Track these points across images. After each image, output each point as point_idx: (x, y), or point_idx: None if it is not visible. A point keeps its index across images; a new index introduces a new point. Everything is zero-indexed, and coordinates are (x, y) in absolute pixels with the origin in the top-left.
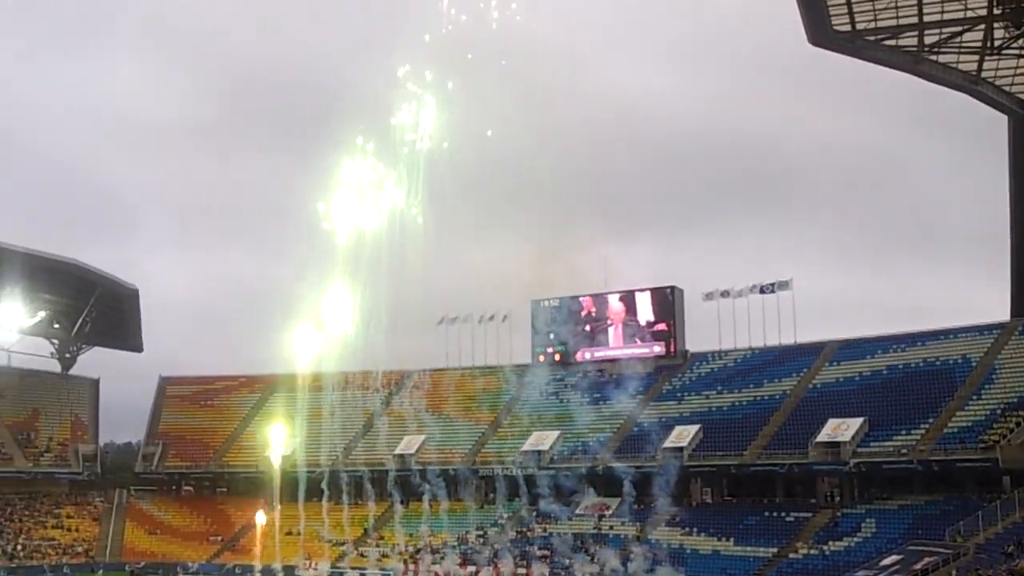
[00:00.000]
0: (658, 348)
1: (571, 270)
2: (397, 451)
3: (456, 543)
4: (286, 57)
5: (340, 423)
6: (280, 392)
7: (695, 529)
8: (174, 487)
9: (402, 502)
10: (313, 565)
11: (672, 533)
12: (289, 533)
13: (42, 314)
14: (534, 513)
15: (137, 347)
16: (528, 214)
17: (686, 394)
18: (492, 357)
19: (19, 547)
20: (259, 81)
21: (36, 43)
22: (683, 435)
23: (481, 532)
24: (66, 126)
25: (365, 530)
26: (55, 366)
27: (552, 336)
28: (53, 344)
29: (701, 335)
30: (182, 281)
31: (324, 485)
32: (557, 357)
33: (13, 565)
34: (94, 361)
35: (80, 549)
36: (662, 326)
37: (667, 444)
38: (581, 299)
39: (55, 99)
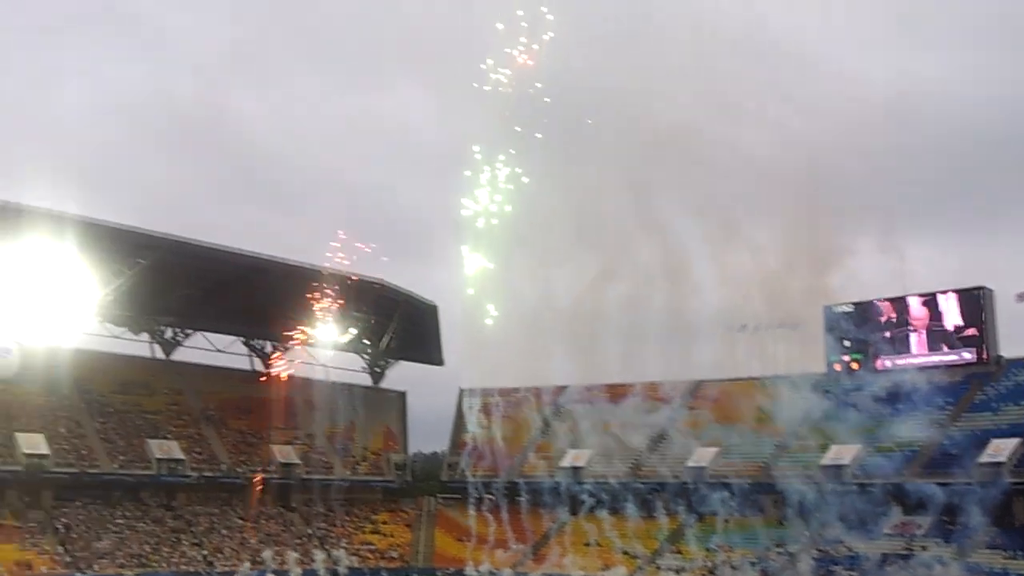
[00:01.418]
0: (968, 355)
1: (860, 272)
2: (689, 463)
3: (756, 560)
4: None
5: (630, 434)
6: (571, 402)
7: (1019, 553)
8: (477, 495)
9: (696, 516)
10: None
11: (994, 556)
12: (587, 544)
13: (353, 331)
14: (834, 531)
15: (438, 360)
16: (797, 213)
17: (1002, 404)
18: (781, 366)
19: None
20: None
21: (338, 78)
22: (1000, 449)
23: (780, 549)
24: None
25: (659, 543)
26: (367, 380)
27: (847, 344)
28: (364, 359)
29: (1017, 340)
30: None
31: (615, 497)
32: (854, 366)
33: (340, 568)
34: (401, 375)
35: (395, 554)
36: (971, 331)
37: (982, 459)
38: (879, 303)
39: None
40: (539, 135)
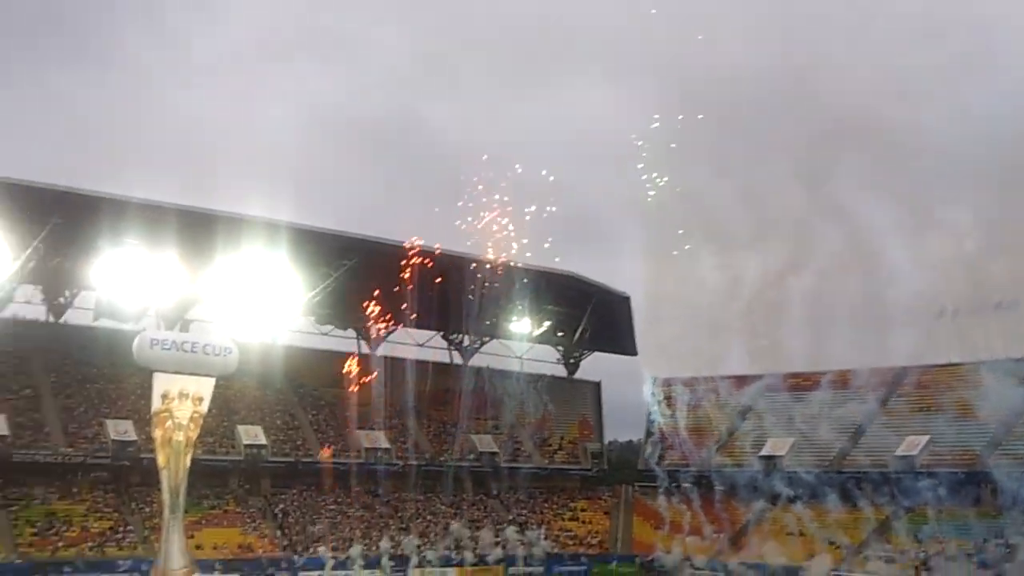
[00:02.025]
0: None
1: None
2: (898, 452)
3: (972, 551)
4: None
5: (826, 424)
6: (764, 392)
7: None
8: (674, 484)
9: (903, 507)
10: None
11: None
12: (788, 533)
13: (547, 323)
14: None
15: (631, 351)
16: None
17: None
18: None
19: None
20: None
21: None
22: None
23: (999, 540)
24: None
25: (865, 534)
26: (561, 371)
27: None
28: (558, 351)
29: None
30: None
31: (814, 487)
32: None
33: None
34: (595, 365)
35: (594, 541)
36: None
37: None
38: None
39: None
40: (713, 123)
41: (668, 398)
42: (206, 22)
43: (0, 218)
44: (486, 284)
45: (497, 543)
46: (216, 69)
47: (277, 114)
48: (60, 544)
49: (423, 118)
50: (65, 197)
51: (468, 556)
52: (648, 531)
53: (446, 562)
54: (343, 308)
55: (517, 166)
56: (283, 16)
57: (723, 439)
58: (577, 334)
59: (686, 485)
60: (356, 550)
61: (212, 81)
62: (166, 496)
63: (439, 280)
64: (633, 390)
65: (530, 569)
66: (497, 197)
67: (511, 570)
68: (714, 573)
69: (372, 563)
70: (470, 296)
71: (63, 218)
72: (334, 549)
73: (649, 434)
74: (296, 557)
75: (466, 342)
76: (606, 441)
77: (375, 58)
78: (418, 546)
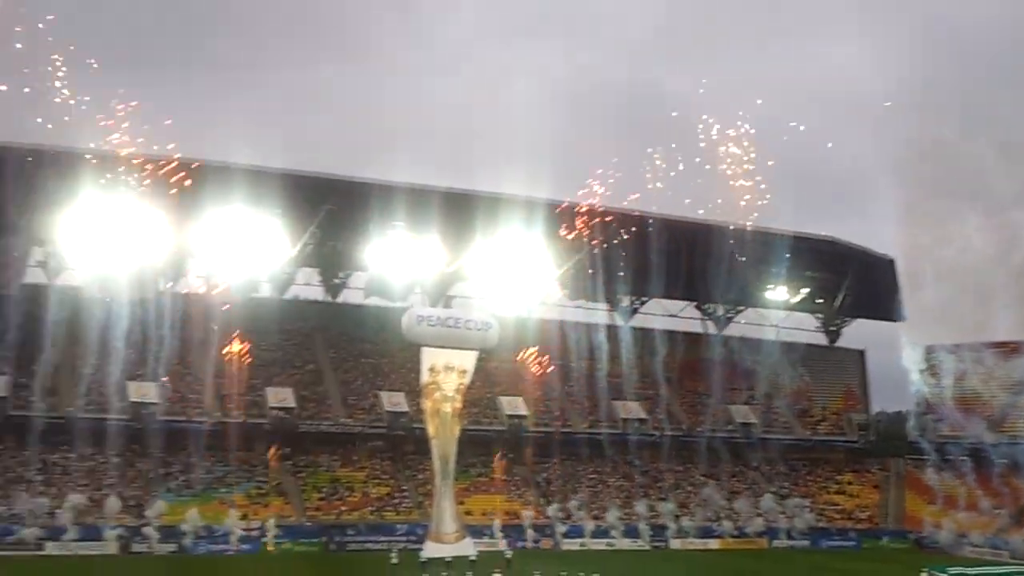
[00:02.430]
0: None
1: None
2: None
3: None
4: None
5: None
6: None
7: None
8: (947, 457)
9: None
10: None
11: None
12: None
13: (805, 290)
14: None
15: (897, 316)
16: None
17: None
18: None
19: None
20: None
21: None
22: None
23: None
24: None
25: None
26: (822, 339)
27: None
28: (817, 318)
29: None
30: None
31: None
32: None
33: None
34: (858, 332)
35: (863, 515)
36: None
37: None
38: None
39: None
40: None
41: (933, 367)
42: (451, 8)
43: (280, 206)
44: (739, 252)
45: (758, 514)
46: (463, 53)
47: (525, 92)
48: (343, 508)
49: (666, 86)
50: (337, 184)
51: (727, 526)
52: (921, 506)
53: (705, 532)
54: (594, 281)
55: (752, 129)
56: None
57: (998, 413)
58: (838, 300)
59: (960, 459)
60: (613, 515)
61: (461, 65)
62: (437, 464)
63: (691, 249)
64: (900, 358)
65: (794, 542)
66: (746, 163)
67: (775, 543)
68: (995, 551)
69: (630, 532)
70: (723, 264)
71: (336, 204)
72: (594, 517)
73: (916, 405)
74: (559, 524)
75: (720, 312)
76: (873, 412)
77: (617, 30)
78: (676, 515)
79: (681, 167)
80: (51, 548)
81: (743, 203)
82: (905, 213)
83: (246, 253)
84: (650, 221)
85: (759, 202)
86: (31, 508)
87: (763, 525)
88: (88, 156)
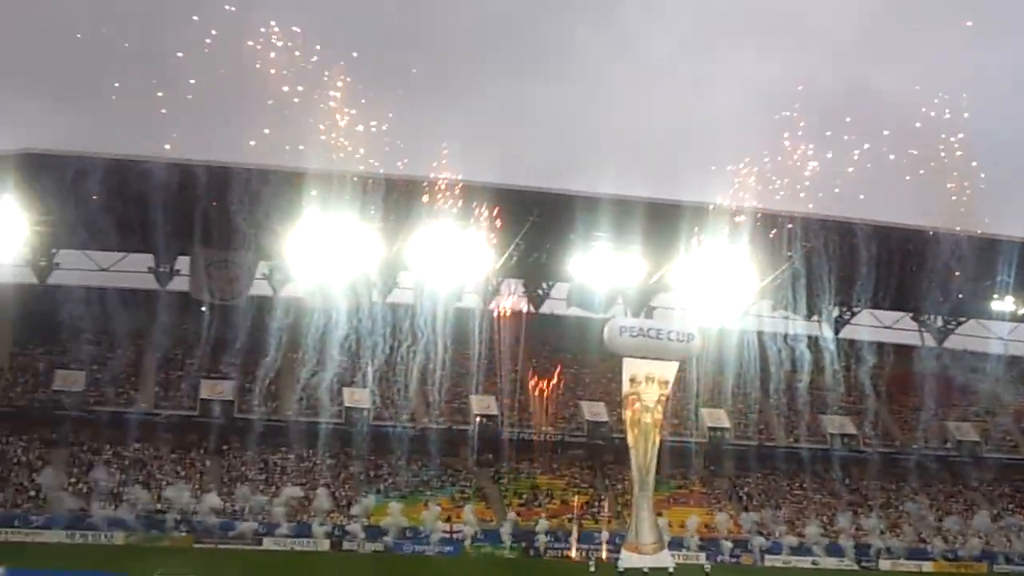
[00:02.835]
0: None
1: None
2: None
3: None
4: None
5: None
6: None
7: None
8: None
9: None
10: None
11: None
12: None
13: None
14: None
15: None
16: None
17: None
18: None
19: None
20: None
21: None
22: None
23: None
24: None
25: None
26: None
27: None
28: None
29: None
30: None
31: None
32: None
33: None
34: None
35: None
36: None
37: None
38: None
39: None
40: None
41: None
42: (652, 20)
43: (485, 218)
44: (958, 259)
45: (976, 536)
46: (665, 64)
47: (728, 99)
48: (542, 514)
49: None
50: (542, 197)
51: (939, 546)
52: None
53: (916, 554)
54: (801, 290)
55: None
56: (725, 3)
57: None
58: None
59: None
60: (815, 531)
61: (662, 77)
62: (635, 474)
63: (905, 256)
64: None
65: (1016, 567)
66: (958, 162)
67: (995, 567)
68: None
69: (834, 550)
70: (939, 272)
71: (540, 216)
72: (797, 534)
73: None
74: (758, 539)
75: (938, 323)
76: None
77: (819, 33)
78: (881, 531)
79: (897, 169)
80: (268, 543)
81: (961, 206)
82: None
83: (454, 264)
84: (860, 227)
85: (979, 204)
86: (251, 504)
87: (980, 547)
88: (313, 174)
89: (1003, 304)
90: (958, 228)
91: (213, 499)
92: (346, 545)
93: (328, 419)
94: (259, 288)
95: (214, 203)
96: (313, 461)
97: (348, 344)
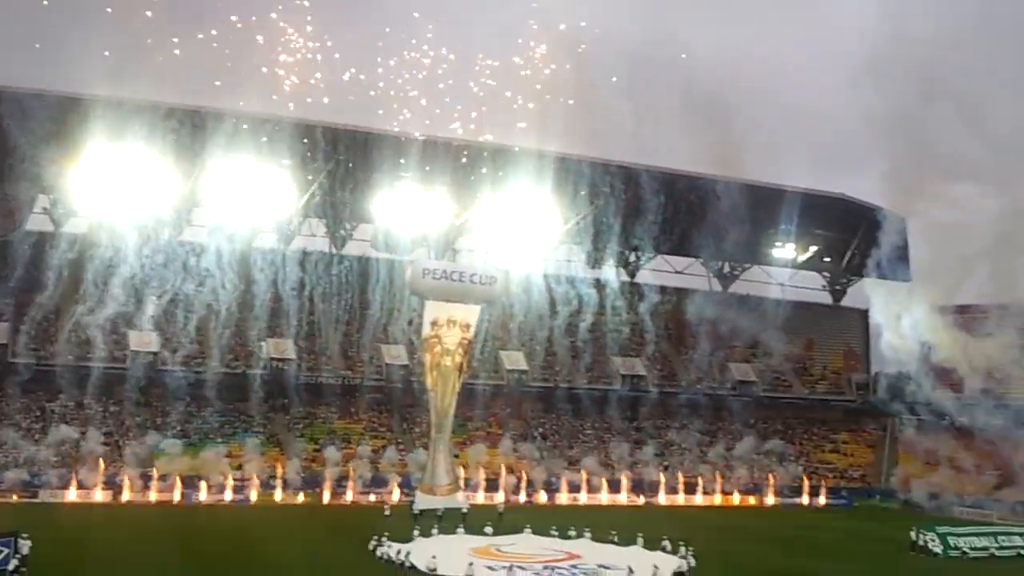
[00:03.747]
0: None
1: None
2: None
3: None
4: None
5: None
6: None
7: None
8: (944, 419)
9: None
10: None
11: None
12: None
13: (813, 249)
14: None
15: (905, 277)
16: None
17: None
18: None
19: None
20: None
21: None
22: None
23: None
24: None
25: None
26: (826, 298)
27: None
28: (824, 277)
29: None
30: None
31: None
32: None
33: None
34: (863, 292)
35: (855, 474)
36: None
37: None
38: None
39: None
40: None
41: (940, 328)
42: None
43: (287, 156)
44: (746, 208)
45: (749, 470)
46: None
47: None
48: (339, 459)
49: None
50: (346, 135)
51: (718, 482)
52: (915, 466)
53: (694, 489)
54: (599, 237)
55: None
56: None
57: (1013, 369)
58: (846, 259)
59: (959, 420)
60: (603, 468)
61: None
62: (433, 417)
63: (697, 205)
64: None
65: (786, 500)
66: (759, 120)
67: (766, 500)
68: (986, 512)
69: (625, 487)
70: (728, 220)
71: (344, 155)
72: (589, 473)
73: (919, 366)
74: (553, 480)
75: (726, 269)
76: (873, 372)
77: None
78: (664, 467)
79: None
80: (44, 495)
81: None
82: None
83: (251, 202)
84: (656, 176)
85: (776, 162)
86: (25, 453)
87: (752, 481)
88: (95, 101)
89: (784, 251)
90: (748, 178)
91: None
92: (127, 496)
93: (110, 363)
94: (38, 223)
95: None
96: (94, 407)
97: (134, 284)
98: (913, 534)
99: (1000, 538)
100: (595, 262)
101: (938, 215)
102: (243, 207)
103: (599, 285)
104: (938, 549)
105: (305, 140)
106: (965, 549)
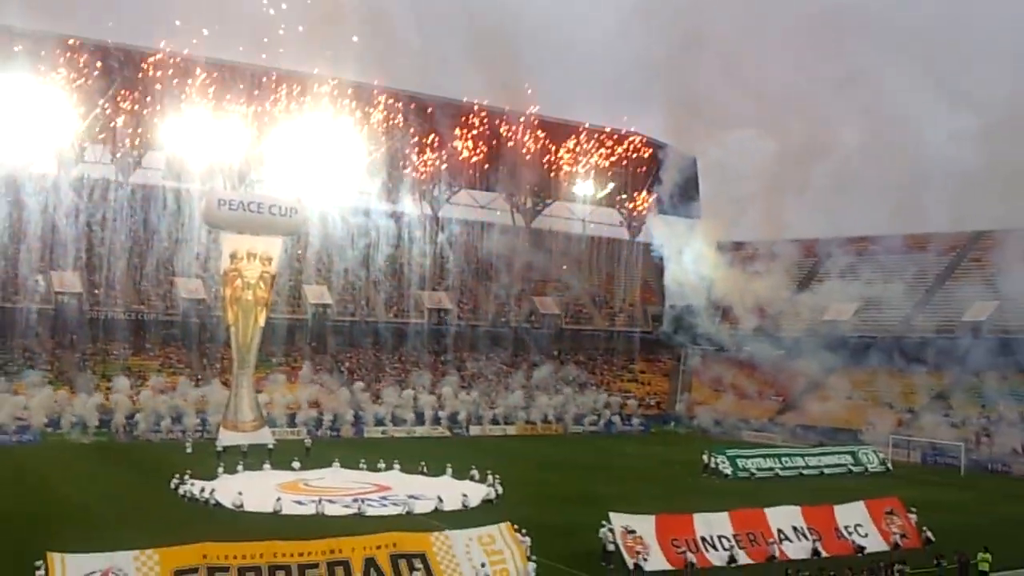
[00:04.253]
0: None
1: None
2: (966, 317)
3: None
4: None
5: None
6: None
7: None
8: (733, 348)
9: (968, 372)
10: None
11: None
12: (849, 398)
13: (611, 186)
14: None
15: (695, 214)
16: None
17: None
18: None
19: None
20: None
21: None
22: None
23: None
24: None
25: (924, 399)
26: (624, 234)
27: None
28: (621, 214)
29: None
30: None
31: (882, 351)
32: None
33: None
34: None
35: (653, 402)
36: None
37: None
38: None
39: None
40: None
41: (729, 262)
42: None
43: (65, 77)
44: (551, 144)
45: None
46: None
47: None
48: (134, 398)
49: None
50: (131, 55)
51: (522, 414)
52: (706, 393)
53: (503, 420)
54: (403, 169)
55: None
56: None
57: (785, 304)
58: (641, 196)
59: (745, 349)
60: (414, 403)
61: None
62: (235, 352)
63: (501, 140)
64: (696, 254)
65: (588, 428)
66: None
67: (571, 429)
68: (770, 436)
69: (432, 420)
70: (532, 157)
71: (130, 76)
72: (395, 406)
73: (709, 298)
74: (360, 413)
75: (528, 204)
76: (667, 305)
77: None
78: (474, 402)
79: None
80: None
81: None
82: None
83: (26, 124)
84: (461, 108)
85: (575, 99)
86: None
87: (553, 410)
88: None
89: (583, 188)
90: (544, 114)
91: None
92: None
93: None
94: None
95: None
96: None
97: None
98: (705, 457)
99: (783, 459)
100: (395, 195)
101: (717, 155)
102: (17, 128)
103: (401, 218)
104: (728, 470)
105: (85, 59)
106: (752, 470)
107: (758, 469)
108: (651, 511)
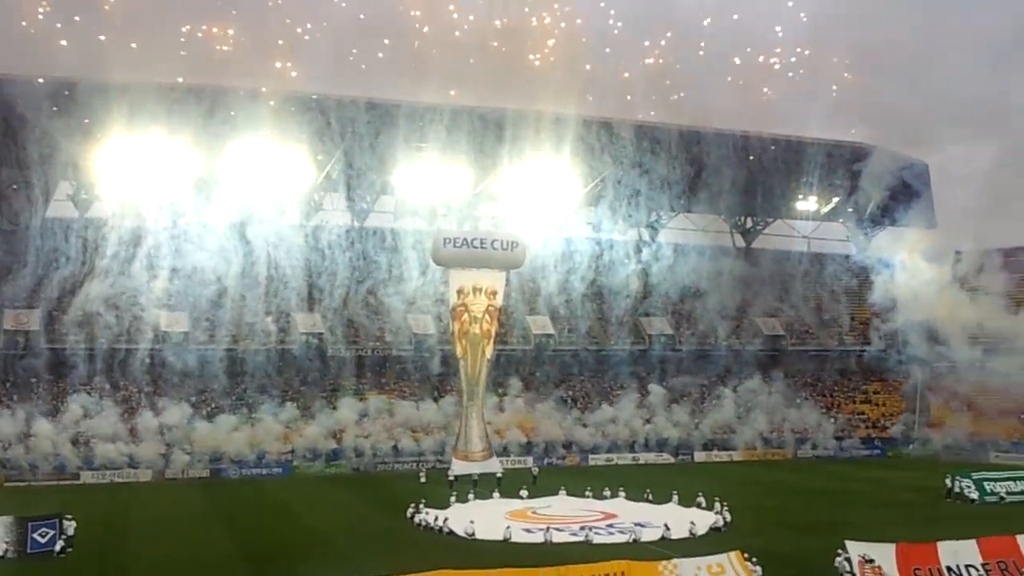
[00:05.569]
0: None
1: None
2: None
3: None
4: None
5: None
6: None
7: None
8: (976, 365)
9: None
10: None
11: None
12: None
13: (835, 200)
14: None
15: (931, 223)
16: None
17: None
18: None
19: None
20: None
21: None
22: None
23: None
24: None
25: None
26: (850, 249)
27: None
28: (847, 227)
29: None
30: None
31: None
32: None
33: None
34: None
35: (889, 424)
36: None
37: None
38: None
39: None
40: None
41: (967, 273)
42: None
43: (305, 132)
44: (767, 162)
45: (781, 423)
46: None
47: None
48: (371, 430)
49: None
50: (363, 107)
51: (749, 437)
52: (947, 414)
53: (727, 445)
54: (620, 198)
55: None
56: None
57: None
58: (869, 209)
59: (989, 366)
60: (637, 430)
61: None
62: (464, 384)
63: (717, 161)
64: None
65: (819, 452)
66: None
67: (799, 453)
68: (1021, 456)
69: (655, 446)
70: (750, 176)
71: (361, 128)
72: (620, 434)
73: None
74: (586, 440)
75: (748, 224)
76: (901, 322)
77: None
78: (696, 426)
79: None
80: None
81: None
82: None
83: (271, 181)
84: (673, 133)
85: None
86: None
87: (780, 434)
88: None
89: (806, 204)
90: (768, 132)
91: None
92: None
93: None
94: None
95: None
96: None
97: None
98: (948, 481)
99: None
100: (617, 224)
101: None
102: (263, 184)
103: (620, 246)
104: (974, 495)
105: (321, 115)
106: (1002, 494)
107: (1008, 493)
108: (891, 539)
